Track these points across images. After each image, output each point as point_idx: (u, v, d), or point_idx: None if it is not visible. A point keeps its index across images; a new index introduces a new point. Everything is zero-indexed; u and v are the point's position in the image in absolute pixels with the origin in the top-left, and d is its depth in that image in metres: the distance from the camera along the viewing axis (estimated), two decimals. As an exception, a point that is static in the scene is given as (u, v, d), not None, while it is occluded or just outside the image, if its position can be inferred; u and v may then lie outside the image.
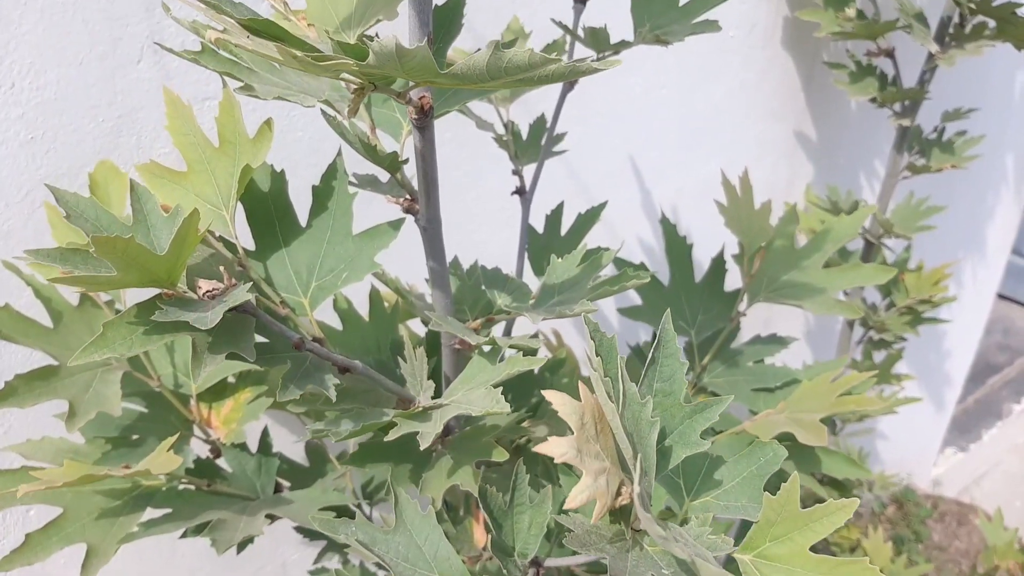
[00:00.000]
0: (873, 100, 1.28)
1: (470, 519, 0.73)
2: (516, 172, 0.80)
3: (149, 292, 0.48)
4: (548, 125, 0.80)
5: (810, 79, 1.44)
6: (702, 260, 1.37)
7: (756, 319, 1.55)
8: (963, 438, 2.70)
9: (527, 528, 0.53)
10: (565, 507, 0.36)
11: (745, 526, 1.10)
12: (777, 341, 0.96)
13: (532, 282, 0.86)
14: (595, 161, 1.21)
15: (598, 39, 0.70)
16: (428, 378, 0.60)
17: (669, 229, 0.99)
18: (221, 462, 0.80)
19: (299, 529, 0.88)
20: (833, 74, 1.33)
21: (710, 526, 0.45)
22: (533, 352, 0.56)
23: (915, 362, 2.05)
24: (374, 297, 0.72)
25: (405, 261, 0.88)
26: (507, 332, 0.80)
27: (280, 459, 0.80)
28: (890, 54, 1.28)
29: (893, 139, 1.37)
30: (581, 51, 0.77)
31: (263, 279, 0.56)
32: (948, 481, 2.51)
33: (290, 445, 1.03)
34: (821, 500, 0.44)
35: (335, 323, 0.75)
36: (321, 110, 0.54)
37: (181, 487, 0.74)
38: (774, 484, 0.45)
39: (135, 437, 0.75)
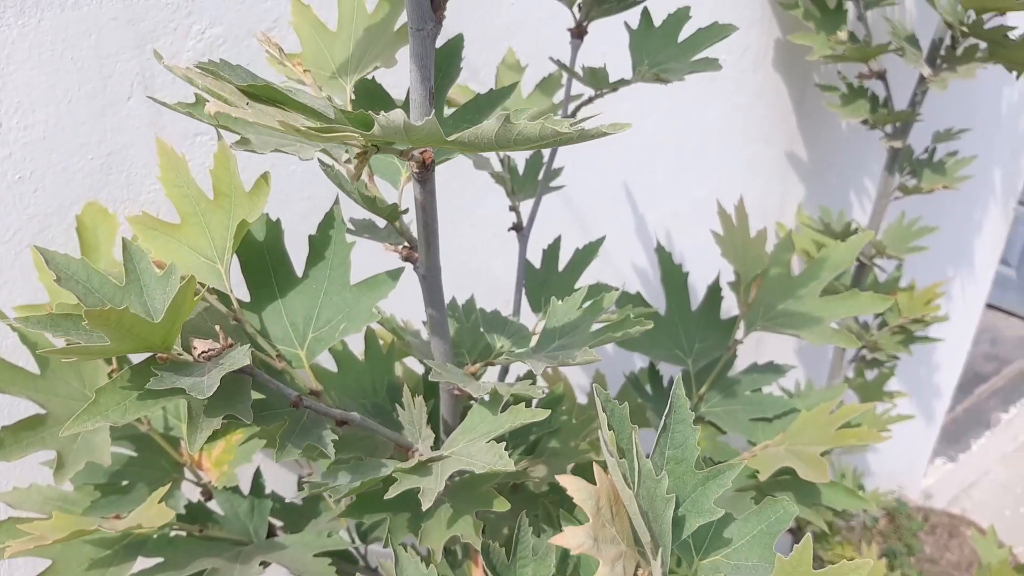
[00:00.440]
0: (865, 122, 1.29)
1: (468, 563, 0.72)
2: (513, 208, 0.79)
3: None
4: (545, 160, 0.79)
5: (801, 101, 1.44)
6: (696, 282, 1.37)
7: (749, 339, 1.55)
8: (952, 448, 2.71)
9: (531, 583, 0.52)
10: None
11: None
12: (774, 369, 0.96)
13: (530, 317, 0.85)
14: (589, 186, 1.20)
15: (597, 78, 0.69)
16: (427, 424, 0.58)
17: (665, 258, 0.98)
18: (213, 505, 0.78)
19: None
20: (825, 96, 1.33)
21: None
22: (534, 400, 0.55)
23: (905, 375, 2.06)
24: (370, 337, 0.71)
25: (397, 295, 0.87)
26: (507, 368, 0.79)
27: (273, 499, 0.78)
28: (881, 76, 1.29)
29: (884, 159, 1.37)
30: (578, 87, 0.76)
31: (258, 332, 0.55)
32: (938, 492, 2.52)
33: (282, 479, 1.01)
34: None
35: (329, 364, 0.74)
36: (319, 159, 0.53)
37: (172, 534, 0.72)
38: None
39: (125, 483, 0.74)
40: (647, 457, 0.39)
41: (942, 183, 1.30)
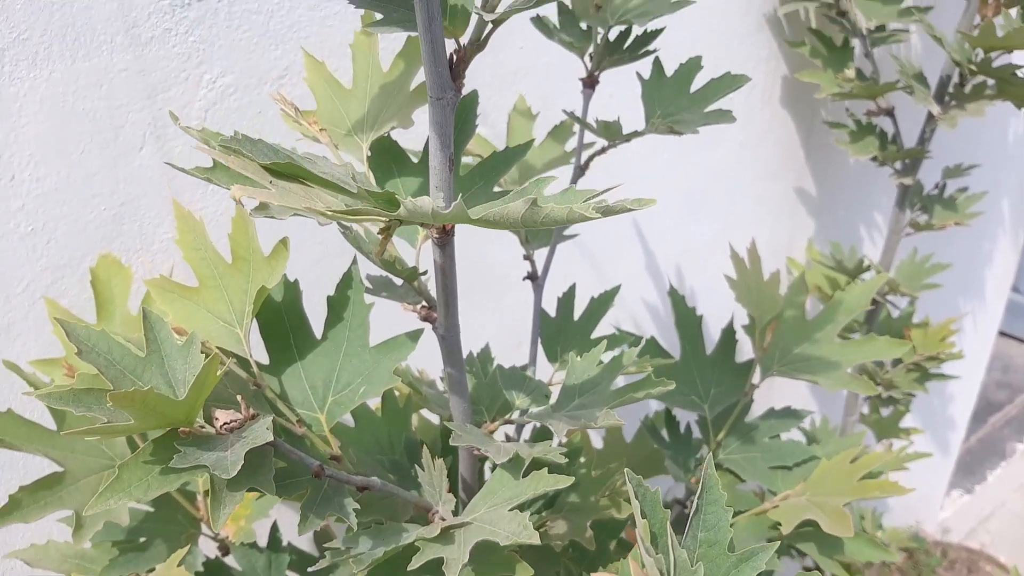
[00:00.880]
0: (874, 159, 1.29)
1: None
2: (527, 257, 0.79)
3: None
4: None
5: (809, 136, 1.44)
6: (709, 316, 1.36)
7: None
8: (968, 480, 2.68)
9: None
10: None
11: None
12: (792, 415, 0.95)
13: (545, 367, 0.84)
14: (599, 224, 1.20)
15: (610, 131, 0.69)
16: (448, 491, 0.58)
17: (678, 301, 0.98)
18: (230, 560, 0.77)
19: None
20: (833, 133, 1.33)
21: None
22: (558, 464, 0.54)
23: (919, 407, 2.04)
24: (386, 392, 0.70)
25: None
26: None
27: (290, 552, 0.77)
28: (890, 113, 1.29)
29: (892, 191, 1.37)
30: (590, 137, 0.76)
31: (278, 396, 0.54)
32: (955, 525, 2.49)
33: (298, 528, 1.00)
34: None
35: (346, 419, 0.73)
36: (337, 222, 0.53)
37: (190, 593, 0.71)
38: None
39: (143, 540, 0.73)
40: (680, 538, 0.38)
41: (954, 219, 1.30)
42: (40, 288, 0.79)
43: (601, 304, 0.82)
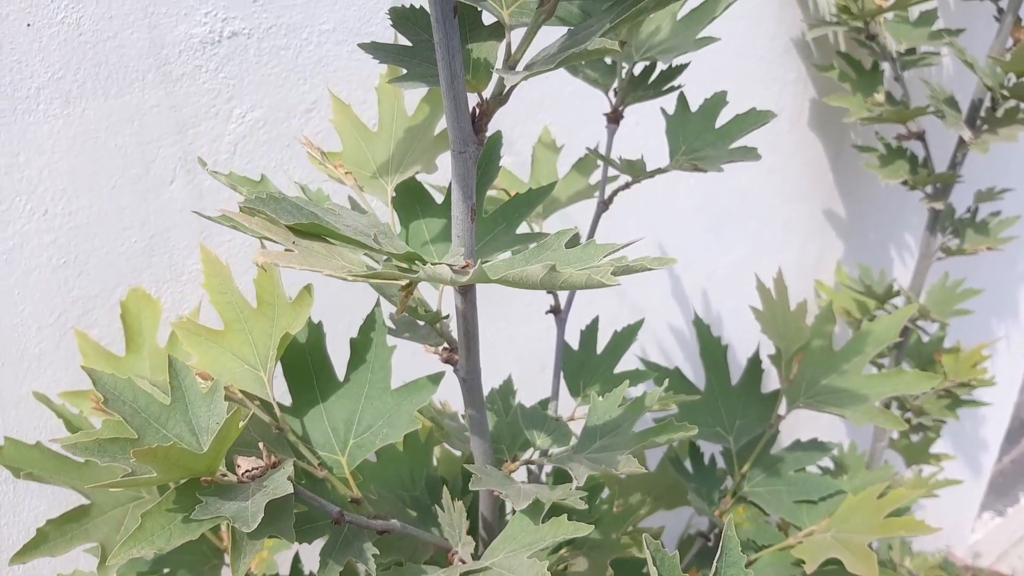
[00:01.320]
0: (904, 183, 1.27)
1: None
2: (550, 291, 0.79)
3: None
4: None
5: (837, 158, 1.43)
6: (735, 343, 1.35)
7: (788, 399, 1.52)
8: (1000, 501, 2.63)
9: None
10: None
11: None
12: (818, 447, 0.94)
13: (567, 400, 0.84)
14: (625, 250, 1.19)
15: (634, 168, 0.69)
16: (468, 531, 0.58)
17: (703, 331, 0.97)
18: (252, 590, 0.78)
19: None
20: (863, 157, 1.32)
21: None
22: (579, 509, 0.54)
23: (950, 428, 2.00)
24: (409, 427, 0.70)
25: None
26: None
27: (311, 584, 0.78)
28: (921, 136, 1.27)
29: (923, 211, 1.35)
30: (614, 170, 0.76)
31: (300, 439, 0.55)
32: (986, 549, 2.44)
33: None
34: None
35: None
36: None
37: (213, 625, 0.72)
38: None
39: (166, 571, 0.74)
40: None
41: (986, 244, 1.28)
42: (71, 319, 0.80)
43: (624, 338, 0.81)
